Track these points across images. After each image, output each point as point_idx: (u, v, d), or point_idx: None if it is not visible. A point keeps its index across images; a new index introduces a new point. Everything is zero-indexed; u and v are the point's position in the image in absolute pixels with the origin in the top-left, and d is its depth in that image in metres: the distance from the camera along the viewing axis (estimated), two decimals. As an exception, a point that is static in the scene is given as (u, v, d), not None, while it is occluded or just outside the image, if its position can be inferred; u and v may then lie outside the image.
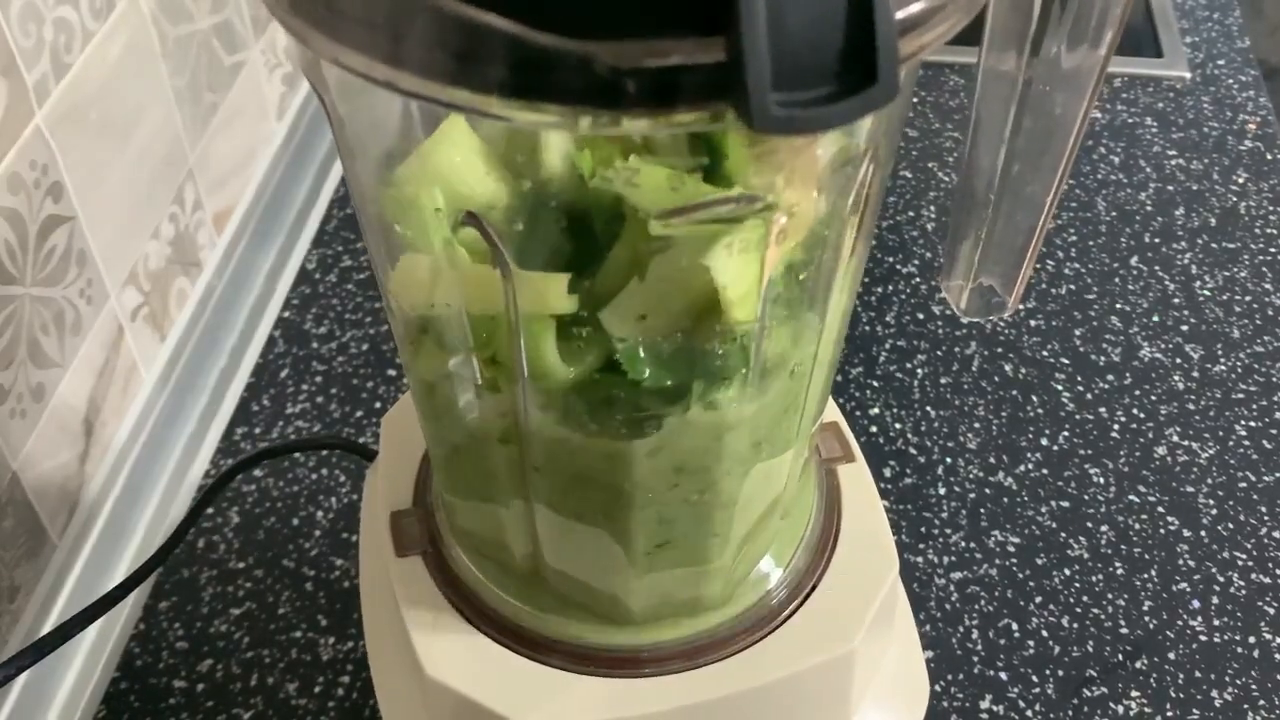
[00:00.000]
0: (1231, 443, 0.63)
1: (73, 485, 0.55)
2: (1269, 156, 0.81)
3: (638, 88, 0.20)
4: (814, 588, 0.40)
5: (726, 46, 0.19)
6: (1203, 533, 0.59)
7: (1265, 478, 0.61)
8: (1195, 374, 0.66)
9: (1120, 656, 0.54)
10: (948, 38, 0.24)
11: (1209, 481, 0.61)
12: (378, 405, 0.64)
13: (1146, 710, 0.52)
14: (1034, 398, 0.65)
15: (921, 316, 0.70)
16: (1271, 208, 0.77)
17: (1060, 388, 0.66)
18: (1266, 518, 0.60)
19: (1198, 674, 0.53)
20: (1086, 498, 0.60)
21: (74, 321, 0.54)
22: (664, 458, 0.32)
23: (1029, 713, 0.52)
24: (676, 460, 0.32)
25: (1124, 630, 0.55)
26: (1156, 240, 0.75)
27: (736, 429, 0.32)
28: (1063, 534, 0.59)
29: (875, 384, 0.66)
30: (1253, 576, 0.57)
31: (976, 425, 0.64)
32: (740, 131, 0.23)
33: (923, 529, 0.59)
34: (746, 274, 0.27)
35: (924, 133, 0.83)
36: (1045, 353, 0.68)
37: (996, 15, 0.32)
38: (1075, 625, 0.55)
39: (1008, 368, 0.67)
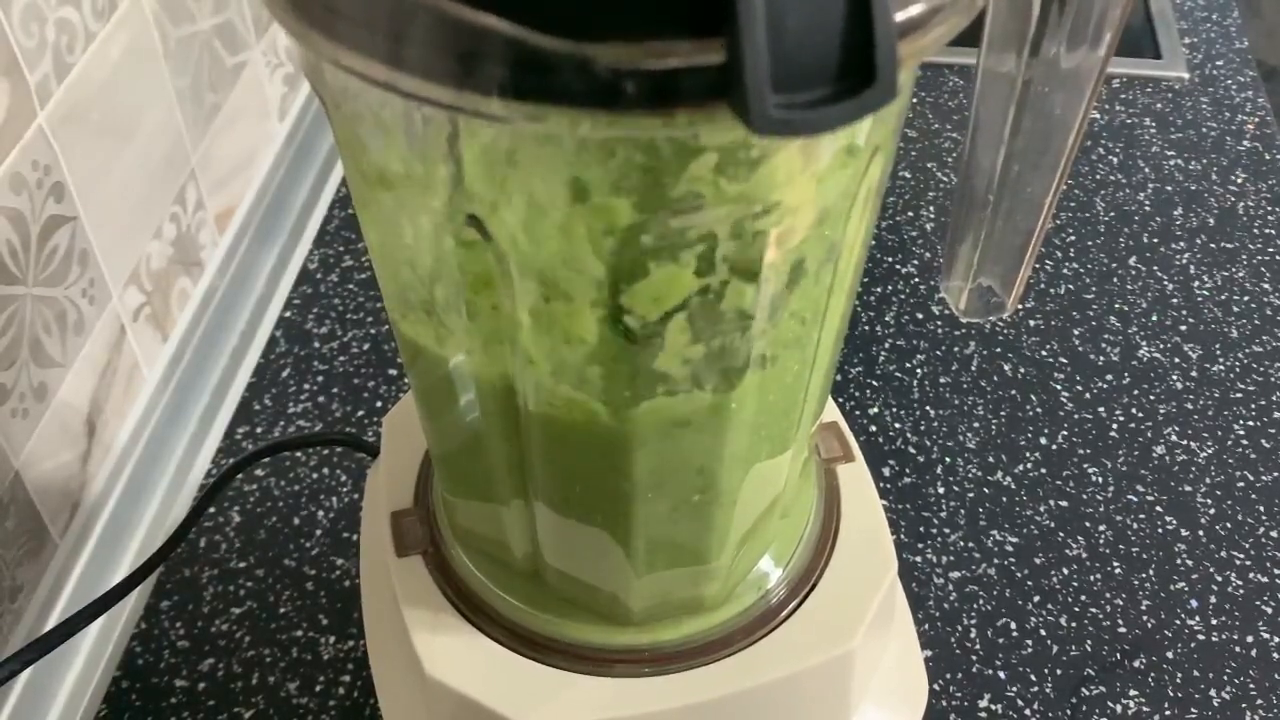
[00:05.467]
0: (1230, 442, 0.63)
1: (75, 485, 0.56)
2: (1267, 157, 0.81)
3: (637, 89, 0.20)
4: (813, 587, 0.40)
5: (725, 48, 0.19)
6: (1201, 532, 0.59)
7: (1263, 477, 0.61)
8: (1194, 374, 0.67)
9: (1118, 656, 0.54)
10: (947, 39, 0.24)
11: (1207, 481, 0.61)
12: (379, 405, 0.65)
13: (1145, 709, 0.52)
14: (1033, 397, 0.65)
15: (921, 316, 0.70)
16: (1270, 208, 0.77)
17: (1059, 387, 0.66)
18: (1264, 517, 0.60)
19: (1196, 673, 0.54)
20: (1085, 497, 0.60)
21: (76, 321, 0.54)
22: (663, 456, 0.32)
23: (1027, 712, 0.52)
24: (676, 459, 0.32)
25: (1122, 629, 0.55)
26: (1155, 240, 0.75)
27: (736, 428, 0.32)
28: (1061, 533, 0.59)
29: (875, 383, 0.66)
30: (1251, 576, 0.57)
31: (975, 425, 0.64)
32: (738, 132, 0.23)
33: (921, 528, 0.59)
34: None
35: (924, 133, 0.83)
36: (1044, 352, 0.68)
37: (996, 16, 0.32)
38: (1073, 624, 0.55)
39: (1007, 367, 0.67)
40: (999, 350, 0.68)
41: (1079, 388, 0.66)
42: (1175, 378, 0.66)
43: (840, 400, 0.65)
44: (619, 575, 0.37)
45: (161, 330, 0.63)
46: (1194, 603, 0.56)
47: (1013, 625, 0.55)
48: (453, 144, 0.25)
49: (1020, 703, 0.53)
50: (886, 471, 0.62)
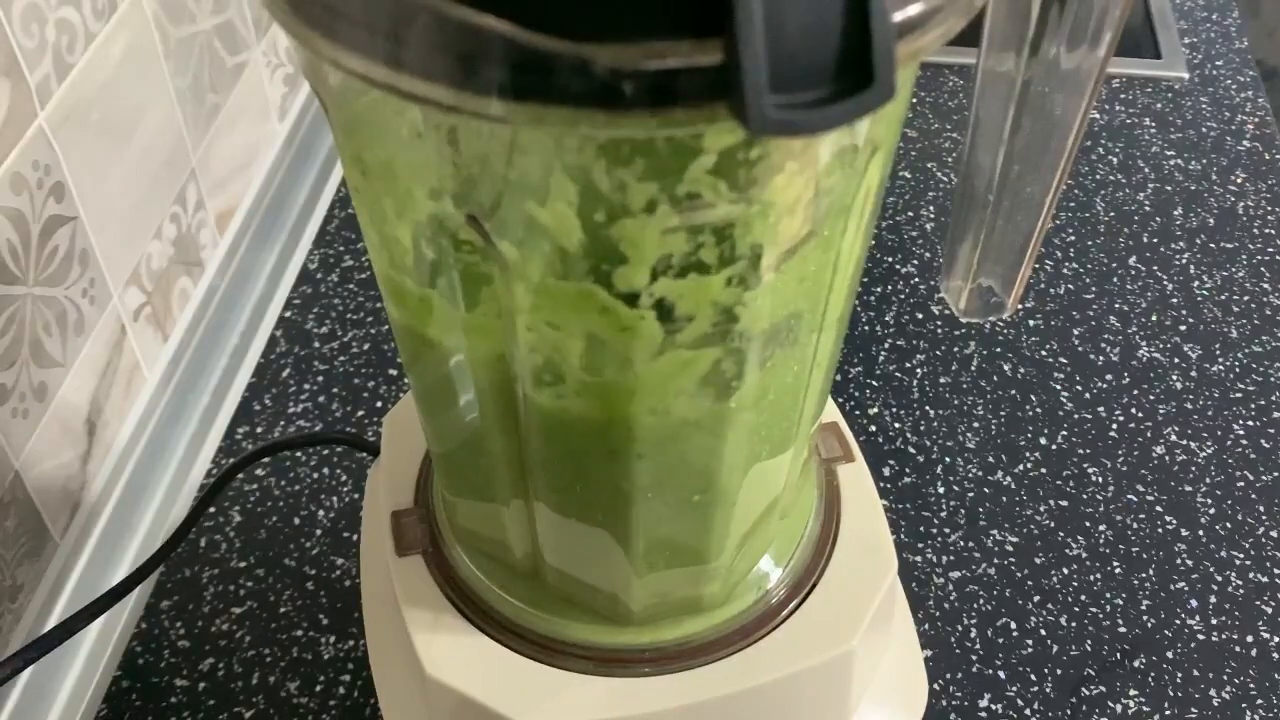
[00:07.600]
0: (1229, 442, 0.63)
1: (75, 484, 0.56)
2: (1267, 157, 0.81)
3: (635, 90, 0.20)
4: (813, 587, 0.40)
5: (723, 48, 0.20)
6: (1200, 532, 0.59)
7: (1263, 477, 0.61)
8: (1193, 373, 0.67)
9: (1118, 655, 0.54)
10: (946, 39, 0.24)
11: (1207, 481, 0.61)
12: (379, 405, 0.65)
13: (1144, 709, 0.52)
14: (1033, 397, 0.65)
15: (920, 316, 0.70)
16: (1269, 208, 0.77)
17: (1059, 387, 0.66)
18: (1264, 517, 0.60)
19: (1195, 673, 0.54)
20: (1085, 497, 0.60)
21: (76, 321, 0.54)
22: (662, 455, 0.32)
23: (1027, 711, 0.52)
24: (675, 459, 0.32)
25: (1122, 629, 0.55)
26: (1155, 240, 0.75)
27: (736, 428, 0.32)
28: (1061, 533, 0.59)
29: (874, 383, 0.66)
30: (1250, 575, 0.57)
31: (975, 425, 0.64)
32: (737, 133, 0.23)
33: (921, 528, 0.59)
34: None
35: (923, 133, 0.83)
36: (1044, 352, 0.68)
37: (995, 16, 0.32)
38: (1073, 624, 0.55)
39: (1006, 367, 0.67)
40: (999, 350, 0.68)
41: (1079, 388, 0.66)
42: (1175, 378, 0.66)
43: (840, 400, 0.65)
44: (619, 575, 0.37)
45: (162, 330, 0.63)
46: (1194, 603, 0.56)
47: (1013, 625, 0.55)
48: (452, 145, 0.25)
49: (1020, 702, 0.53)
50: (886, 471, 0.62)
